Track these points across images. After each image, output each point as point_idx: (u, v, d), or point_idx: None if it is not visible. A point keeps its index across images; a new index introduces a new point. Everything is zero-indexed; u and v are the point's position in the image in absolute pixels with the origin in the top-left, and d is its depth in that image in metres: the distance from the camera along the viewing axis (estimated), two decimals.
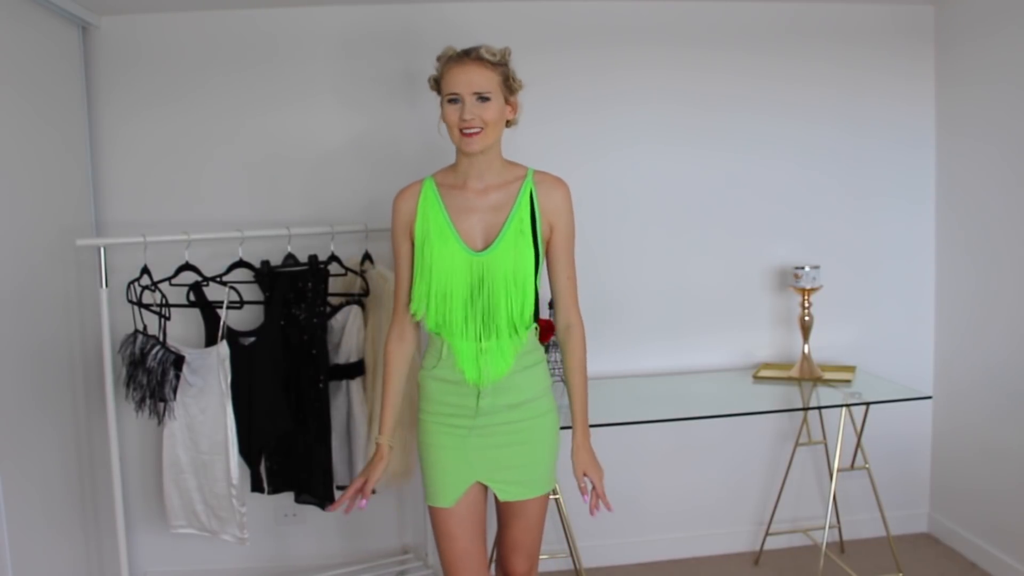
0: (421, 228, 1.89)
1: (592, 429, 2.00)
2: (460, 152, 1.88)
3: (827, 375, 2.90)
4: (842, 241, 3.11)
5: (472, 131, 1.81)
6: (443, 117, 1.85)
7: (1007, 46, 2.73)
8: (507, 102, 1.87)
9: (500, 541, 2.06)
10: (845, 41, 3.04)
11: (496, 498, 1.95)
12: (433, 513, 1.96)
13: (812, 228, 3.10)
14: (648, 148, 3.00)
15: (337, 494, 2.60)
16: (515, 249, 1.85)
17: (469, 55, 1.83)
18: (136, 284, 2.42)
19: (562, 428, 2.01)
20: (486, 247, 1.86)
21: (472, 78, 1.80)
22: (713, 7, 2.97)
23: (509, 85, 1.87)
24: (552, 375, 2.07)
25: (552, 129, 2.92)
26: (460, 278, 1.84)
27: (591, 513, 1.94)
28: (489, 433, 1.90)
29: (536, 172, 1.93)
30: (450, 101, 1.82)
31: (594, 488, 1.94)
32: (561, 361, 2.01)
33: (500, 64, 1.84)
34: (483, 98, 1.81)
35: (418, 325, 1.98)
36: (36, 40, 2.46)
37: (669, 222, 3.03)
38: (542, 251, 1.91)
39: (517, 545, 2.01)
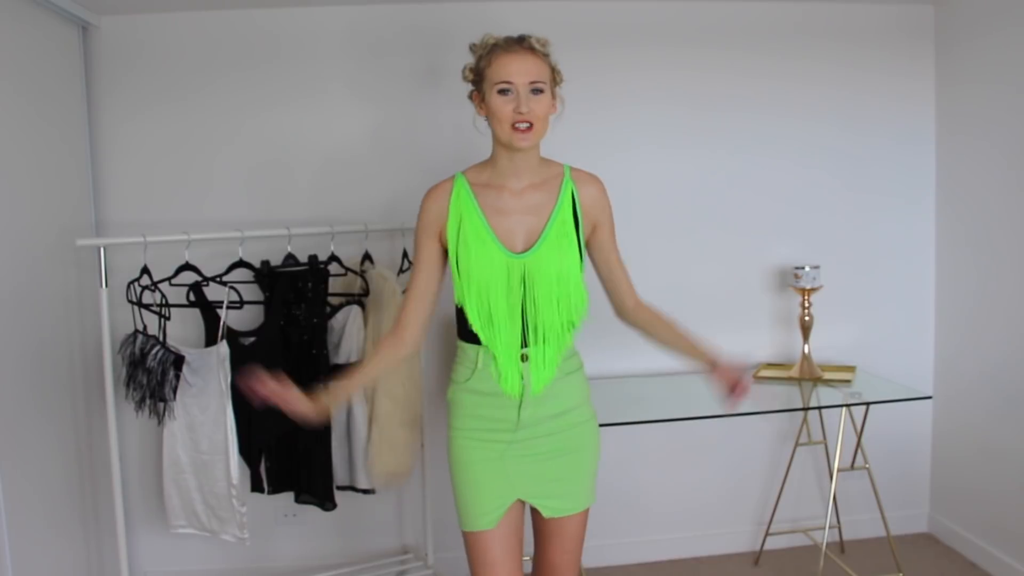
0: (455, 230, 1.76)
1: None
2: (505, 148, 1.73)
3: (827, 375, 2.90)
4: (842, 241, 3.11)
5: (524, 126, 1.68)
6: (490, 109, 1.70)
7: (1007, 46, 2.73)
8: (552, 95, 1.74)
9: (536, 563, 1.93)
10: (845, 41, 3.04)
11: (531, 516, 1.84)
12: (471, 539, 1.77)
13: (812, 228, 3.10)
14: (648, 148, 3.00)
15: (337, 495, 2.61)
16: (559, 250, 1.74)
17: (521, 43, 1.71)
18: (136, 284, 2.42)
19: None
20: (526, 249, 1.75)
21: (528, 67, 1.68)
22: (713, 7, 2.97)
23: (554, 77, 1.76)
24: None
25: (551, 130, 2.91)
26: (499, 281, 1.72)
27: (734, 400, 1.81)
28: (529, 446, 1.77)
29: (572, 169, 1.83)
30: (500, 92, 1.68)
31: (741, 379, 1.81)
32: (652, 332, 1.94)
33: (547, 55, 1.74)
34: (537, 89, 1.69)
35: (422, 331, 1.84)
36: (36, 40, 2.46)
37: (669, 222, 3.03)
38: (584, 251, 1.81)
39: (555, 567, 1.87)
